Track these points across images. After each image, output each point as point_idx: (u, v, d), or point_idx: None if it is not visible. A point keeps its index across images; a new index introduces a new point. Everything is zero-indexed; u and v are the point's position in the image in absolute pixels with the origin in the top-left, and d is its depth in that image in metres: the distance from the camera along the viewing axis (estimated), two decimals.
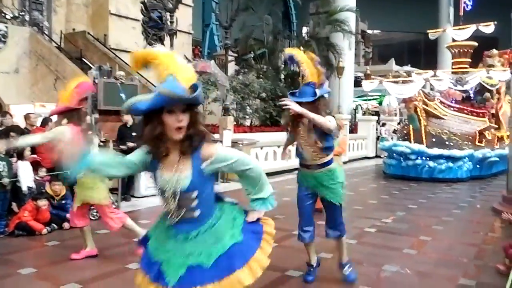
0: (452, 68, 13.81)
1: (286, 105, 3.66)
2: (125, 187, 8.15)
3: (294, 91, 3.90)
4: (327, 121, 3.72)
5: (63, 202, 6.32)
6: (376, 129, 18.83)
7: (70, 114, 4.54)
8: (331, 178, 3.92)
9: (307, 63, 3.85)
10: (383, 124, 18.77)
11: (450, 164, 11.45)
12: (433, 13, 32.59)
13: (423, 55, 41.05)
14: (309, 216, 4.10)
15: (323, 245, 4.87)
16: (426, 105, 11.96)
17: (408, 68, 25.32)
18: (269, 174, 12.43)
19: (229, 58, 15.39)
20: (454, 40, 14.51)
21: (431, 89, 14.73)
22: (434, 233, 6.27)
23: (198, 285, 2.04)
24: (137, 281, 2.25)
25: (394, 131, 17.55)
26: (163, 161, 2.07)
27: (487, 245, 5.74)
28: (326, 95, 4.01)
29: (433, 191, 9.87)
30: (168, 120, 1.94)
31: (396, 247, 5.47)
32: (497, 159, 12.32)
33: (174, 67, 1.95)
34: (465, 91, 13.48)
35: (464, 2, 15.58)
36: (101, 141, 8.29)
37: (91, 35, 14.58)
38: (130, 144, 7.90)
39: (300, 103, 3.69)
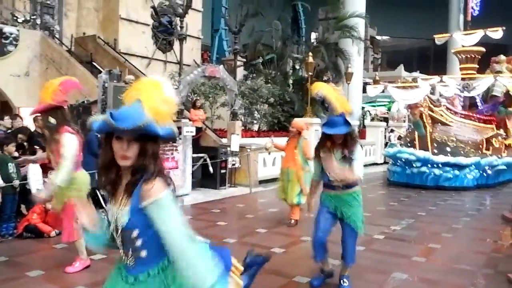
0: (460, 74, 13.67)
1: None
2: None
3: (324, 121, 3.98)
4: (356, 174, 3.85)
5: None
6: (385, 136, 18.76)
7: (54, 113, 4.32)
8: (355, 199, 4.03)
9: (333, 95, 3.93)
10: (392, 130, 18.69)
11: (456, 172, 11.14)
12: (442, 20, 32.55)
13: (433, 61, 40.91)
14: (324, 236, 4.06)
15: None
16: (432, 111, 11.69)
17: (417, 74, 25.24)
18: (277, 180, 12.10)
19: (238, 63, 15.44)
20: (463, 46, 14.42)
21: (440, 95, 14.61)
22: (443, 240, 6.21)
23: None
24: None
25: (399, 138, 17.38)
26: (115, 192, 1.93)
27: (497, 253, 5.67)
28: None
29: (442, 198, 9.79)
30: (114, 146, 1.82)
31: (404, 255, 5.42)
32: (505, 167, 12.12)
33: (149, 95, 1.82)
34: (471, 98, 13.30)
35: (472, 8, 15.46)
36: None
37: (101, 39, 14.71)
38: None
39: (334, 135, 3.85)
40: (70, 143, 4.30)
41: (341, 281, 4.21)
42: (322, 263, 4.28)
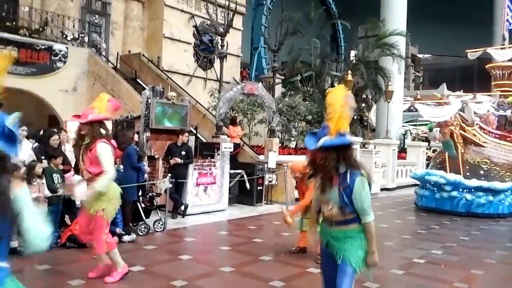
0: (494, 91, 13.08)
1: None
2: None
3: (314, 130, 3.24)
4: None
5: (115, 216, 6.51)
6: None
7: (103, 125, 4.61)
8: (349, 236, 3.07)
9: (334, 104, 3.02)
10: (434, 151, 18.20)
11: (490, 198, 10.12)
12: (487, 37, 31.66)
13: (476, 80, 39.78)
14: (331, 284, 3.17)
15: None
16: (464, 130, 10.79)
17: (460, 93, 24.58)
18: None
19: (276, 80, 15.55)
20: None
21: (475, 113, 13.87)
22: (486, 266, 5.97)
23: None
24: None
25: (428, 158, 16.62)
26: None
27: None
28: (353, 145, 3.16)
29: (484, 223, 9.39)
30: None
31: (446, 280, 5.24)
32: None
33: None
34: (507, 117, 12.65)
35: (507, 20, 14.92)
36: (150, 156, 8.62)
37: (145, 57, 15.20)
38: (178, 160, 8.38)
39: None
40: (107, 151, 4.52)
41: None
42: None
